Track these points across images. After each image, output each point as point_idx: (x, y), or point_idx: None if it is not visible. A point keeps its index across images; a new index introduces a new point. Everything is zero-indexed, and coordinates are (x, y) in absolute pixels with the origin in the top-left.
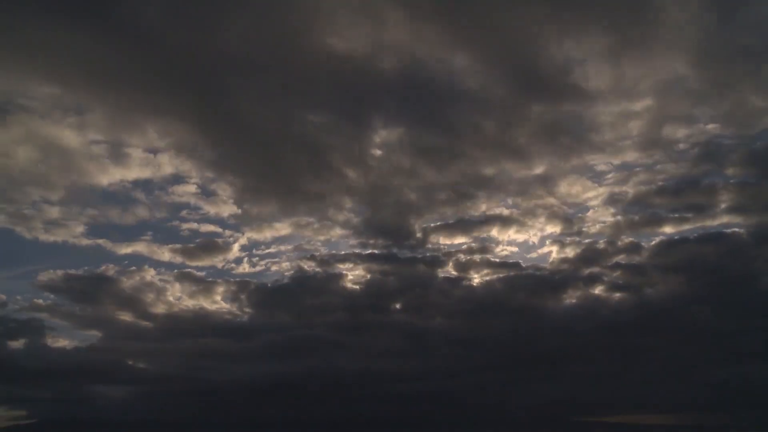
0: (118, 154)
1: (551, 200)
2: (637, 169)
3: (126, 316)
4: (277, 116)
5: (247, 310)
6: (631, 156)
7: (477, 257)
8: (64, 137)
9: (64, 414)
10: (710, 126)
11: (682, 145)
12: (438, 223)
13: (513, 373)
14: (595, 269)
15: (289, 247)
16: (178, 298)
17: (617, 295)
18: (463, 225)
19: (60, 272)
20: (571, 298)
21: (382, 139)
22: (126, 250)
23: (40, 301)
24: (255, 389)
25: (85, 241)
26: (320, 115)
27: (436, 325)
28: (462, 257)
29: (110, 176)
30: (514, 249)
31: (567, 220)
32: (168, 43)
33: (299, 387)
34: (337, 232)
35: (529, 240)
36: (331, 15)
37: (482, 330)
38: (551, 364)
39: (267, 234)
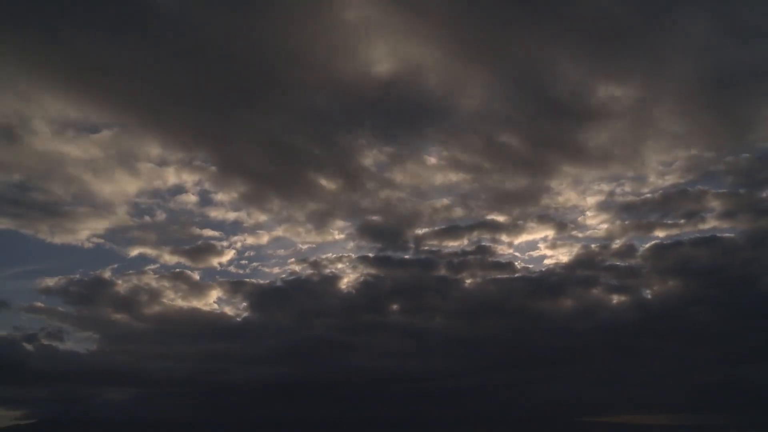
0: (125, 166)
1: (550, 206)
2: (631, 179)
3: (127, 319)
4: (278, 125)
5: (251, 312)
6: (626, 166)
7: (472, 258)
8: (75, 150)
9: (64, 414)
10: (701, 139)
11: (675, 156)
12: (438, 227)
13: (513, 374)
14: (595, 272)
15: (290, 250)
16: (178, 300)
17: (617, 297)
18: (463, 229)
19: (62, 275)
20: (571, 300)
21: (384, 147)
22: (130, 253)
23: (42, 303)
24: (256, 390)
25: (88, 245)
26: (320, 123)
27: (437, 326)
28: (460, 260)
29: (116, 185)
30: (515, 252)
31: (563, 225)
32: (180, 60)
33: (301, 387)
34: (339, 236)
35: (529, 243)
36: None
37: (483, 331)
38: (551, 364)
39: (267, 238)
